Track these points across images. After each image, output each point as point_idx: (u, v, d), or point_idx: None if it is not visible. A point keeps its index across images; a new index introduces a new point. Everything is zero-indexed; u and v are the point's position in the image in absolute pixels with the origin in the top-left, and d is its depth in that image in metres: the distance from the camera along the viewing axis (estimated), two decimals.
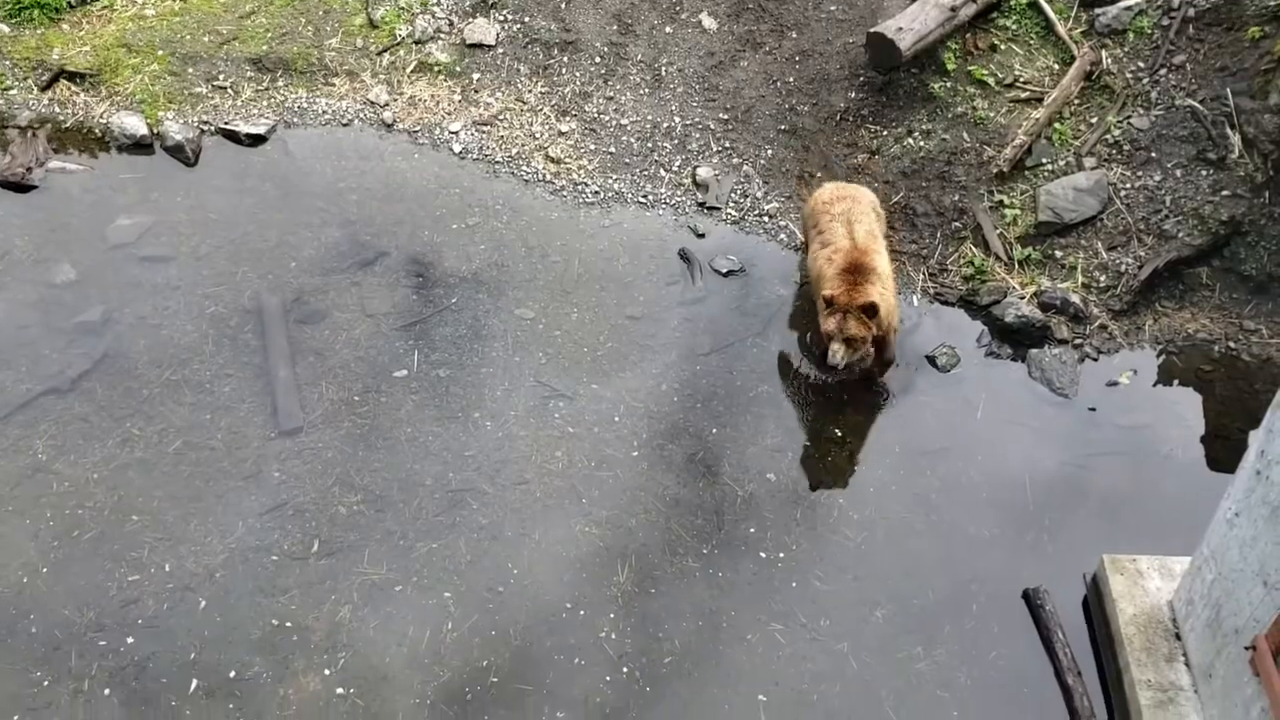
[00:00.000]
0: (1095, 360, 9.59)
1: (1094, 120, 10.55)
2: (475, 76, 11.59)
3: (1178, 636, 7.28)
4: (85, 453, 8.50)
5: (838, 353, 8.31)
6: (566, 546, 8.17)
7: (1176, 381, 9.49)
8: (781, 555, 8.19)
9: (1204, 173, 10.01)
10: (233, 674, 7.39)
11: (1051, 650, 7.52)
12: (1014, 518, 8.47)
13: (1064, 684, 7.33)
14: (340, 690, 7.33)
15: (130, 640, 7.54)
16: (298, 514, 8.24)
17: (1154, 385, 9.47)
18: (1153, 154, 10.22)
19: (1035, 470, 8.77)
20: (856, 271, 8.45)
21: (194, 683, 7.35)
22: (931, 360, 9.54)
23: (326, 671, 7.41)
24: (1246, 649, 6.31)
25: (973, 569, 8.13)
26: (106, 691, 7.30)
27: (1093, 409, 9.24)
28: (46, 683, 7.32)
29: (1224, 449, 8.85)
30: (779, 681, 7.51)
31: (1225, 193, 9.83)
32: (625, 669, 7.52)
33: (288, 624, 7.65)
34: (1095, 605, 7.78)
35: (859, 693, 7.47)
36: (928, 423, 9.12)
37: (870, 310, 8.26)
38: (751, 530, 8.32)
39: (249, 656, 7.48)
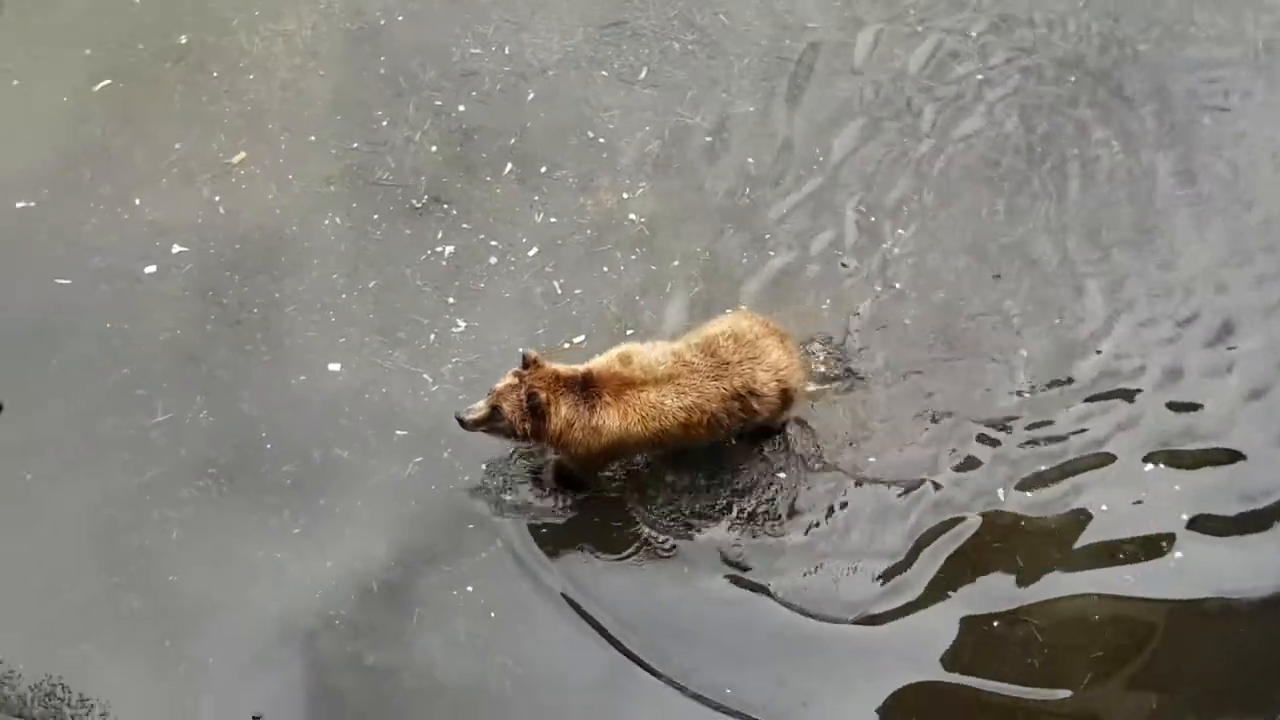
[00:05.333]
0: None
1: None
2: None
3: None
4: None
5: (475, 410, 6.22)
6: None
7: None
8: None
9: None
10: (544, 169, 7.92)
11: None
12: None
13: None
14: (632, 216, 7.78)
15: (462, 108, 8.10)
16: (635, 37, 8.35)
17: None
18: None
19: None
20: (590, 384, 6.21)
21: (509, 165, 7.93)
22: None
23: (625, 195, 7.84)
24: None
25: None
26: (434, 149, 7.97)
27: None
28: (385, 123, 8.05)
29: None
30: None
31: None
32: None
33: (601, 140, 8.02)
34: None
35: None
36: None
37: (532, 402, 6.11)
38: None
39: (561, 158, 7.95)
